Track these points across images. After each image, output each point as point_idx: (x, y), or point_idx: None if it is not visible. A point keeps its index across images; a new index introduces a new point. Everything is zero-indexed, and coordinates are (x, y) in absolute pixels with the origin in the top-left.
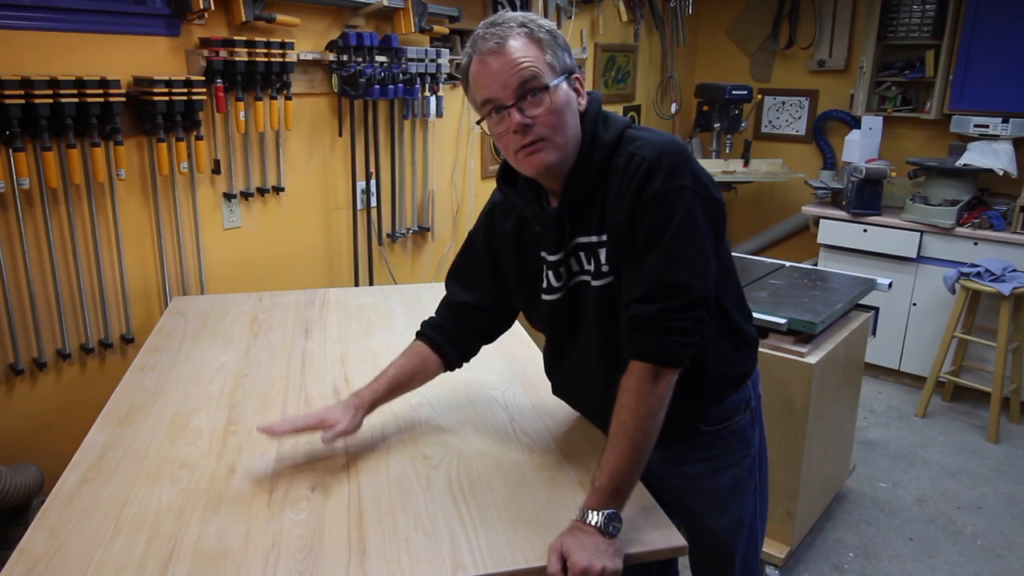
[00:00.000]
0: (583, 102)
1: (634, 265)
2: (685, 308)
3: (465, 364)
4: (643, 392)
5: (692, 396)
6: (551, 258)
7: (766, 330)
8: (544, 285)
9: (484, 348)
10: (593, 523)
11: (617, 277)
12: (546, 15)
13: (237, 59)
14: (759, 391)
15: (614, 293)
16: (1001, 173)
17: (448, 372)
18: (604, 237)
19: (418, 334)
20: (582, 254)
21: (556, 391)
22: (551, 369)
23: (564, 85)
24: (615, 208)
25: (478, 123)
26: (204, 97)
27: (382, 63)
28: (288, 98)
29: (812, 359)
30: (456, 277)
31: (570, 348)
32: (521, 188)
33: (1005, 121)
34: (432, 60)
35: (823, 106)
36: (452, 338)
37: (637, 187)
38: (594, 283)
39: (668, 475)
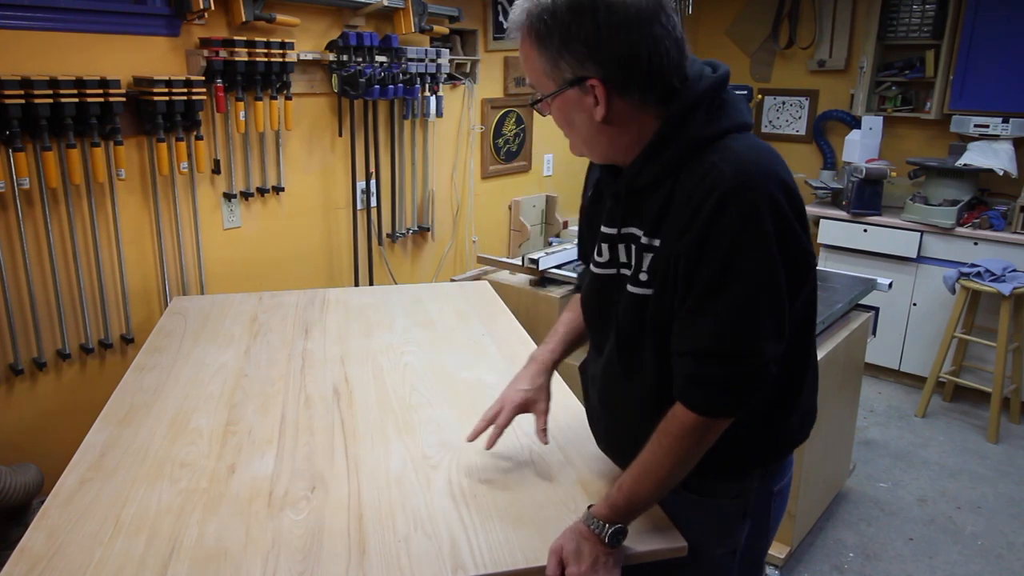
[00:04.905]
0: (600, 112)
1: (697, 308)
2: (754, 369)
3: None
4: (688, 441)
5: None
6: (605, 230)
7: None
8: (594, 256)
9: (484, 347)
10: (599, 533)
11: (657, 295)
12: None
13: (237, 59)
14: (776, 489)
15: (648, 309)
16: (1001, 173)
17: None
18: (656, 242)
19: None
20: (624, 246)
21: (581, 368)
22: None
23: (568, 95)
24: (677, 222)
25: None
26: (204, 97)
27: (382, 63)
28: (288, 98)
29: None
30: (580, 240)
31: (594, 335)
32: None
33: (1005, 121)
34: (432, 60)
35: (823, 106)
36: None
37: (709, 215)
38: (630, 288)
39: None
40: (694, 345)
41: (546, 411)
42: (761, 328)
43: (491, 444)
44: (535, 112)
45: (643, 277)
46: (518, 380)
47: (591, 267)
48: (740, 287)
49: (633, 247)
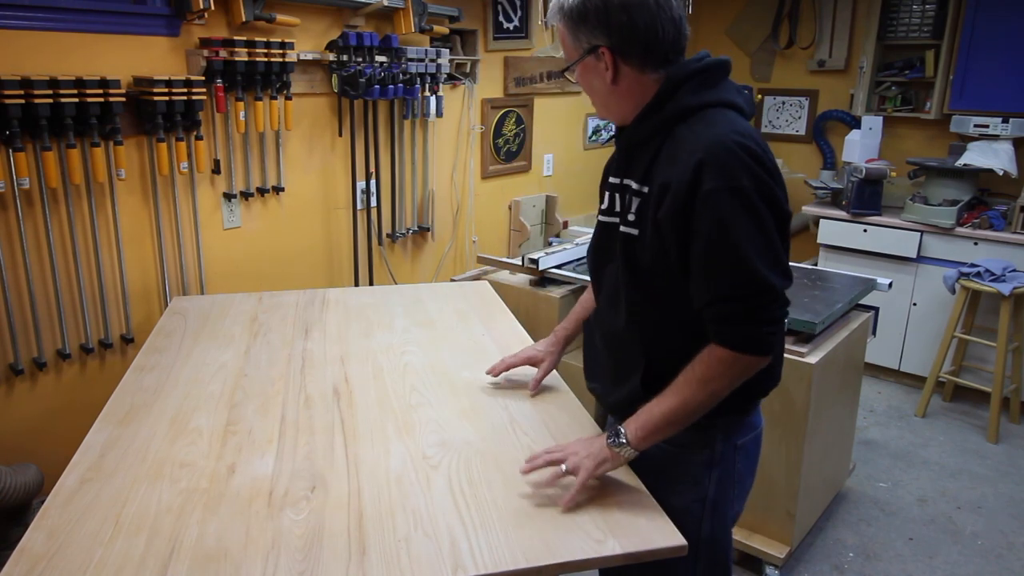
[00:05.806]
0: (609, 76)
1: (704, 267)
2: (768, 302)
3: None
4: (720, 371)
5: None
6: (611, 180)
7: None
8: (600, 205)
9: (483, 347)
10: (611, 432)
11: (642, 233)
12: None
13: (237, 59)
14: (740, 443)
15: (634, 245)
16: (1001, 173)
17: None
18: (645, 189)
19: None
20: (620, 195)
21: (585, 324)
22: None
23: (587, 61)
24: (659, 178)
25: None
26: (204, 97)
27: (382, 63)
28: (288, 98)
29: (812, 359)
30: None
31: (594, 279)
32: None
33: (1005, 121)
34: (432, 60)
35: (823, 106)
36: None
37: (689, 182)
38: (622, 228)
39: None
40: (711, 296)
41: (546, 371)
42: (763, 267)
43: (495, 373)
44: (566, 78)
45: (631, 218)
46: (537, 343)
47: (598, 216)
48: (733, 238)
49: (628, 195)
